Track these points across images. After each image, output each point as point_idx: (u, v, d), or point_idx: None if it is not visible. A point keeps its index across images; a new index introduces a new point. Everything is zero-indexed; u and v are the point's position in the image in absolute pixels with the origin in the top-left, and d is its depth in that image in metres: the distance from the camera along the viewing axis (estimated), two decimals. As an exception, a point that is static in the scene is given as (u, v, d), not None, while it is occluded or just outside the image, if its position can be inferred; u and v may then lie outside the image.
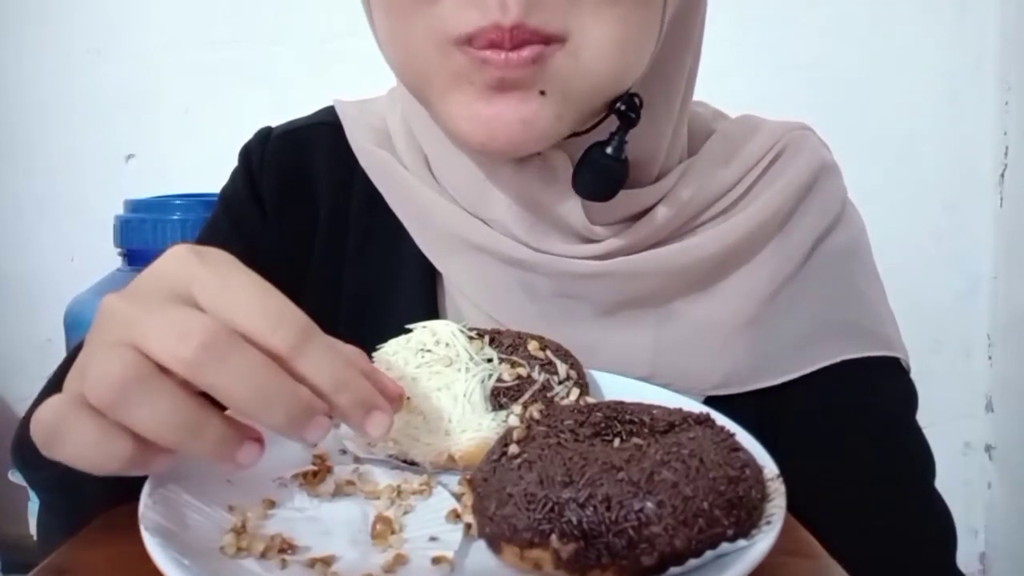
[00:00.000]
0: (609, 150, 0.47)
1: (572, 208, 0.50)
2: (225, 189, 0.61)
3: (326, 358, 0.33)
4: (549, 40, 0.42)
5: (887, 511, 0.51)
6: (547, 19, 0.42)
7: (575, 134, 0.48)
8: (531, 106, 0.43)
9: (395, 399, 0.36)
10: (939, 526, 0.52)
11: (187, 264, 0.33)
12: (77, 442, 0.31)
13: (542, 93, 0.43)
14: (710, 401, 0.52)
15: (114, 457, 0.31)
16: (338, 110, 0.60)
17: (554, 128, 0.45)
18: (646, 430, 0.36)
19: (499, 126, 0.44)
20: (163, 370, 0.31)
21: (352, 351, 0.36)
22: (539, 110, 0.44)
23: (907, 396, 0.56)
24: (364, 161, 0.57)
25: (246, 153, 0.60)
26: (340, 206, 0.58)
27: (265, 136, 0.61)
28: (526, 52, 0.42)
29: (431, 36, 0.43)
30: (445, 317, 0.56)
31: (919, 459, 0.54)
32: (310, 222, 0.58)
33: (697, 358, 0.53)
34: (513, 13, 0.41)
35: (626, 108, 0.47)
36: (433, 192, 0.55)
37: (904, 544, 0.50)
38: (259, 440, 0.33)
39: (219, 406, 0.32)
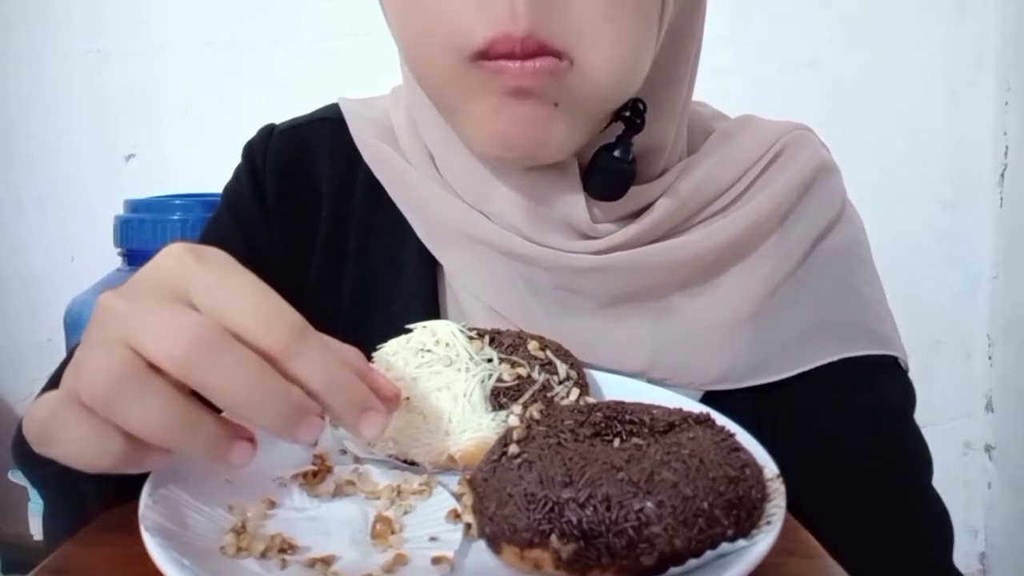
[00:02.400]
0: (617, 153, 0.48)
1: (575, 204, 0.51)
2: (228, 186, 0.61)
3: (320, 358, 0.33)
4: (558, 55, 0.43)
5: (884, 510, 0.51)
6: (555, 34, 0.43)
7: None
8: (545, 113, 0.45)
9: (390, 400, 0.36)
10: (937, 525, 0.52)
11: (183, 263, 0.33)
12: (69, 439, 0.31)
13: (555, 105, 0.45)
14: (708, 397, 0.52)
15: (105, 454, 0.31)
16: (342, 107, 0.60)
17: (566, 138, 0.46)
18: (646, 430, 0.36)
19: (515, 134, 0.45)
20: (156, 369, 0.31)
21: (348, 351, 0.36)
22: (552, 119, 0.45)
23: (905, 395, 0.56)
24: (367, 155, 0.58)
25: (249, 150, 0.60)
26: (343, 202, 0.58)
27: (268, 133, 0.61)
28: (540, 62, 0.43)
29: (447, 53, 0.44)
30: (446, 311, 0.56)
31: (917, 458, 0.54)
32: (313, 218, 0.59)
33: (695, 353, 0.53)
34: (523, 22, 0.41)
35: (631, 114, 0.48)
36: (435, 185, 0.55)
37: (901, 543, 0.50)
38: (251, 440, 0.33)
39: (214, 407, 0.32)
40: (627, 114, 0.48)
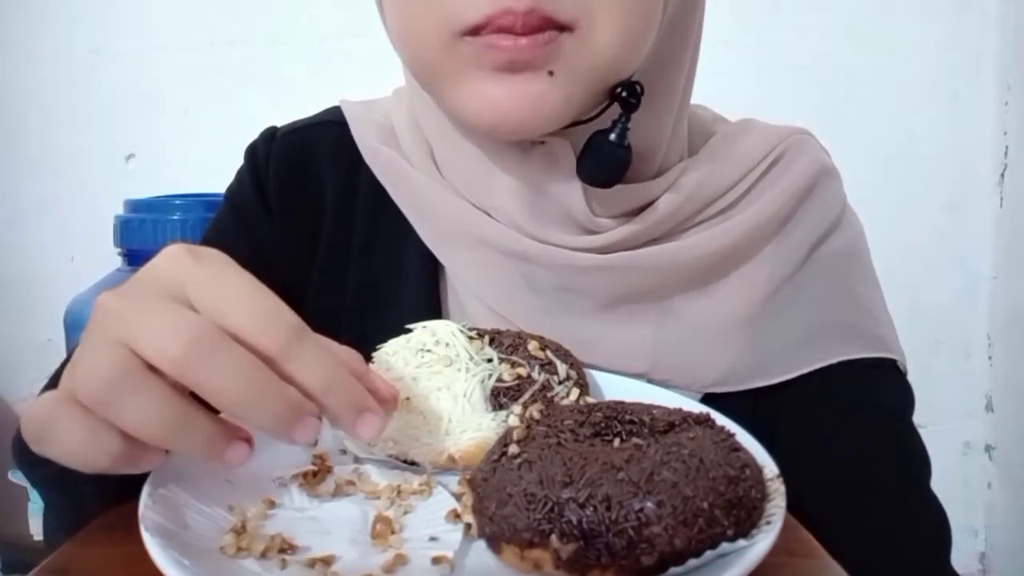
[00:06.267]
0: (612, 136, 0.48)
1: (574, 197, 0.51)
2: (231, 188, 0.61)
3: (317, 359, 0.33)
4: (561, 27, 0.43)
5: (882, 511, 0.51)
6: (559, 6, 0.42)
7: (578, 123, 0.48)
8: (540, 85, 0.44)
9: (388, 401, 0.36)
10: (934, 527, 0.52)
11: (181, 264, 0.33)
12: (65, 439, 0.31)
13: (550, 73, 0.44)
14: (707, 399, 0.52)
15: (102, 454, 0.31)
16: (344, 109, 0.60)
17: (562, 109, 0.46)
18: (646, 430, 0.36)
19: (509, 107, 0.44)
20: (154, 369, 0.31)
21: (345, 352, 0.36)
22: (548, 89, 0.44)
23: (904, 397, 0.56)
24: (369, 158, 0.58)
25: (252, 152, 0.61)
26: (345, 204, 0.58)
27: (271, 136, 0.61)
28: (538, 36, 0.42)
29: (438, 29, 0.44)
30: (448, 311, 0.57)
31: (915, 460, 0.54)
32: (315, 220, 0.59)
33: (695, 355, 0.53)
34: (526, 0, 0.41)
35: (627, 94, 0.47)
36: (437, 186, 0.55)
37: (898, 544, 0.50)
38: (248, 440, 0.33)
39: (213, 408, 0.32)
40: (624, 94, 0.48)
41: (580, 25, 0.43)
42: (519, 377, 0.43)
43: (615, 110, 0.48)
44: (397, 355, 0.44)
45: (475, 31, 0.43)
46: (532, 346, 0.45)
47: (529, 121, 0.45)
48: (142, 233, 1.26)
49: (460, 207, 0.54)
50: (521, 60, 0.43)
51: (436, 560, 0.32)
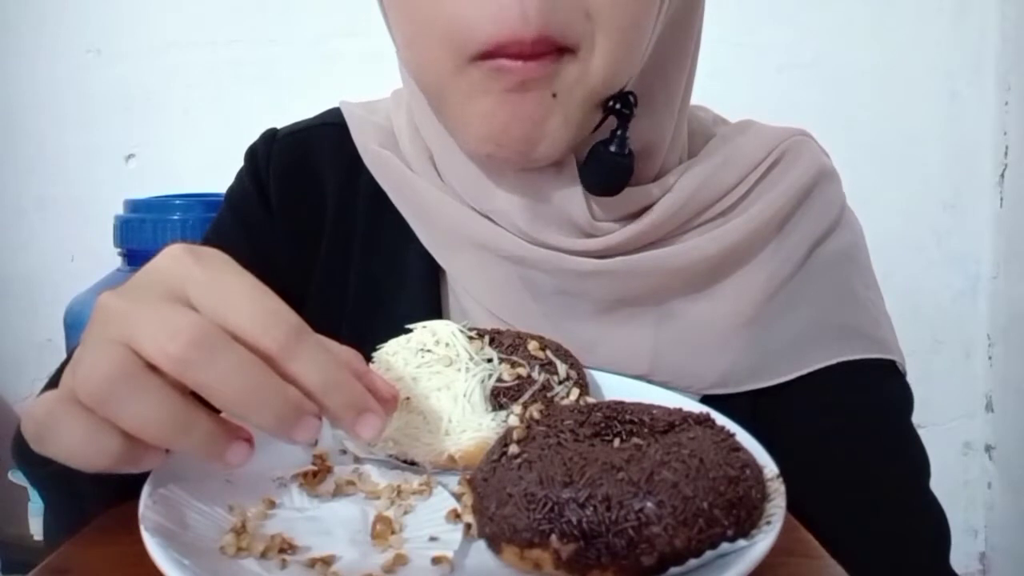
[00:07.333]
0: (613, 147, 0.48)
1: (575, 202, 0.51)
2: (231, 189, 0.61)
3: (317, 359, 0.33)
4: (563, 50, 0.44)
5: (881, 512, 0.51)
6: (563, 29, 0.43)
7: None
8: (542, 109, 0.45)
9: (388, 401, 0.36)
10: (933, 527, 0.53)
11: (182, 264, 0.33)
12: (66, 438, 0.31)
13: (553, 96, 0.45)
14: (707, 400, 0.52)
15: (103, 453, 0.31)
16: (343, 111, 0.60)
17: (560, 135, 0.46)
18: (646, 430, 0.36)
19: (511, 130, 0.45)
20: (154, 369, 0.31)
21: (346, 352, 0.36)
22: (549, 112, 0.45)
23: (903, 398, 0.56)
24: (368, 160, 0.58)
25: (252, 154, 0.61)
26: (345, 206, 0.58)
27: (271, 137, 0.61)
28: (545, 59, 0.43)
29: (447, 55, 0.44)
30: (448, 314, 0.57)
31: (914, 460, 0.54)
32: (316, 222, 0.59)
33: (695, 357, 0.53)
34: (535, 24, 0.42)
35: (621, 106, 0.48)
36: (437, 189, 0.55)
37: (897, 545, 0.50)
38: (249, 440, 0.33)
39: (214, 408, 0.32)
40: (617, 106, 0.48)
41: (581, 48, 0.44)
42: (519, 377, 0.43)
43: (613, 120, 0.48)
44: (397, 355, 0.44)
45: (484, 56, 0.43)
46: (532, 346, 0.45)
47: (528, 144, 0.46)
48: (142, 233, 1.26)
49: (460, 211, 0.54)
50: (530, 80, 0.44)
51: (436, 560, 0.32)
